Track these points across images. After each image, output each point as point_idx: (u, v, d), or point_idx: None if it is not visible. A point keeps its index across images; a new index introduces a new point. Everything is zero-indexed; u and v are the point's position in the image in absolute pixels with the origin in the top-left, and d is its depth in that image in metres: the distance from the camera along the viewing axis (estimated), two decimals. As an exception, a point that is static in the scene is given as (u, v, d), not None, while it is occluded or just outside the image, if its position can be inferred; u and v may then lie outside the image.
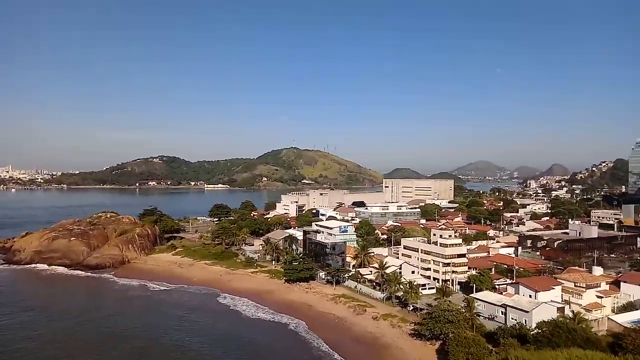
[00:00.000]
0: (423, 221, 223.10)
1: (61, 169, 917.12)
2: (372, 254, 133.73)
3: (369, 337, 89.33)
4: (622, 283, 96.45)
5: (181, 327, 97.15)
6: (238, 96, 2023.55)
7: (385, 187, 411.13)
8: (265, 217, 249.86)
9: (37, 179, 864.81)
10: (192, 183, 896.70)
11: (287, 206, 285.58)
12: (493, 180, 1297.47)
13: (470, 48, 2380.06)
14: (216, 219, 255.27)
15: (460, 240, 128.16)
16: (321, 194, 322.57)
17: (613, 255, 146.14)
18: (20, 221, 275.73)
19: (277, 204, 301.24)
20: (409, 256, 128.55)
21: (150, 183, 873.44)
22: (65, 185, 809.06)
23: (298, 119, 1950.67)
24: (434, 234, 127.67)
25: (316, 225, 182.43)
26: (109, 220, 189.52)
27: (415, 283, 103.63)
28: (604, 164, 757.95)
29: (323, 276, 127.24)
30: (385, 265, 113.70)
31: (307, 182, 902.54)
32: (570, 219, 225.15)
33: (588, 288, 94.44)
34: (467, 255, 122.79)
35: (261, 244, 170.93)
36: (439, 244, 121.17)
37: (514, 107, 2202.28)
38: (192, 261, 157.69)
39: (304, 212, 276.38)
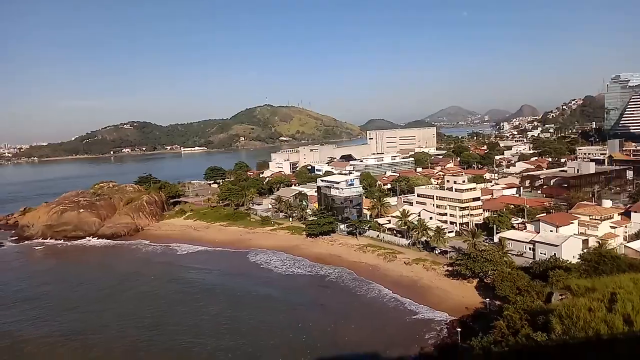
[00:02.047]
0: (419, 169, 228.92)
1: (28, 142, 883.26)
2: (389, 204, 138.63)
3: (407, 280, 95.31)
4: (632, 213, 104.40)
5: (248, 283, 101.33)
6: (204, 54, 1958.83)
7: (370, 138, 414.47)
8: (260, 176, 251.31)
9: (5, 153, 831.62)
10: (168, 147, 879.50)
11: (280, 164, 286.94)
12: (465, 125, 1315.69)
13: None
14: (212, 182, 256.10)
15: (474, 185, 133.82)
16: (311, 150, 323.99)
17: (609, 189, 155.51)
18: (6, 198, 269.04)
19: (269, 162, 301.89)
20: (424, 203, 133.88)
21: (124, 150, 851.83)
22: (36, 158, 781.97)
23: (268, 74, 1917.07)
24: (448, 181, 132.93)
25: (321, 180, 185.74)
26: (113, 190, 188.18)
27: (443, 228, 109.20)
28: (573, 102, 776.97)
29: (344, 228, 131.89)
30: (409, 214, 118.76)
31: (285, 139, 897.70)
32: (557, 158, 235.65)
33: (603, 220, 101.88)
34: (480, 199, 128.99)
35: (270, 203, 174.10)
36: (454, 190, 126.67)
37: (480, 50, 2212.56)
38: (207, 224, 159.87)
39: (297, 169, 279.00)
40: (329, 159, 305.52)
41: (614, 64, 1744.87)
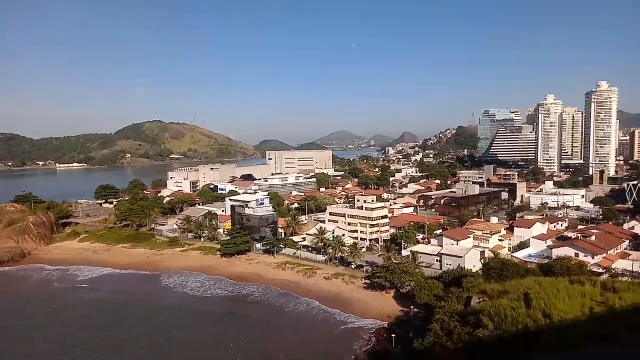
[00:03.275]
0: (323, 189, 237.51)
1: None
2: (303, 223, 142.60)
3: (330, 294, 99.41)
4: (515, 228, 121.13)
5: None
6: (86, 67, 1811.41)
7: (269, 159, 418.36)
8: (159, 195, 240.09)
9: None
10: (40, 163, 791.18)
11: (179, 183, 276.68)
12: (354, 148, 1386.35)
13: (326, 24, 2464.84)
14: (103, 201, 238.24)
15: (383, 204, 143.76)
16: (212, 169, 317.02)
17: (489, 207, 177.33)
18: None
19: (167, 181, 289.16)
20: (335, 221, 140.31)
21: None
22: None
23: (158, 89, 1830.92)
24: (358, 200, 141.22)
25: (229, 199, 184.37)
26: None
27: (358, 244, 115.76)
28: (448, 131, 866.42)
29: (259, 247, 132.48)
30: (325, 231, 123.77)
31: (176, 157, 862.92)
32: (441, 180, 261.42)
33: (493, 234, 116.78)
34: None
35: (176, 223, 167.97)
36: (364, 208, 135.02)
37: (366, 79, 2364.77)
38: (107, 246, 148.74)
39: (198, 188, 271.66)
40: (230, 178, 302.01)
41: (483, 98, 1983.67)
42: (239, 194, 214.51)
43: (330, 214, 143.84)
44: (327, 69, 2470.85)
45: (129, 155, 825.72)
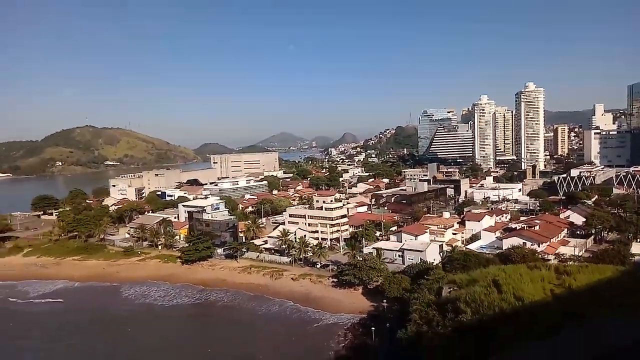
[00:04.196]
0: (275, 192, 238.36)
1: None
2: (263, 226, 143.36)
3: (300, 294, 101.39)
4: (466, 221, 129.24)
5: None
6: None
7: (214, 163, 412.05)
8: (103, 204, 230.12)
9: None
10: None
11: (123, 190, 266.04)
12: (296, 150, 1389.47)
13: (267, 27, 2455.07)
14: (41, 212, 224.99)
15: (342, 204, 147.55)
16: (157, 175, 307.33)
17: (437, 203, 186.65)
18: None
19: (109, 189, 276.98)
20: (296, 223, 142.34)
21: None
22: None
23: (89, 93, 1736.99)
24: (317, 201, 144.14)
25: (183, 205, 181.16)
26: None
27: (322, 244, 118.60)
28: (387, 131, 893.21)
29: (221, 252, 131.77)
30: (288, 233, 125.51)
31: (111, 163, 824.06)
32: (389, 179, 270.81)
33: (447, 228, 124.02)
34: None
35: (128, 232, 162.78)
36: (324, 209, 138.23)
37: (307, 82, 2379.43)
38: (56, 260, 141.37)
39: (144, 195, 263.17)
40: (177, 183, 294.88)
41: (419, 99, 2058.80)
42: (189, 200, 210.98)
43: (290, 215, 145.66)
44: (263, 69, 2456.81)
45: (60, 164, 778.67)
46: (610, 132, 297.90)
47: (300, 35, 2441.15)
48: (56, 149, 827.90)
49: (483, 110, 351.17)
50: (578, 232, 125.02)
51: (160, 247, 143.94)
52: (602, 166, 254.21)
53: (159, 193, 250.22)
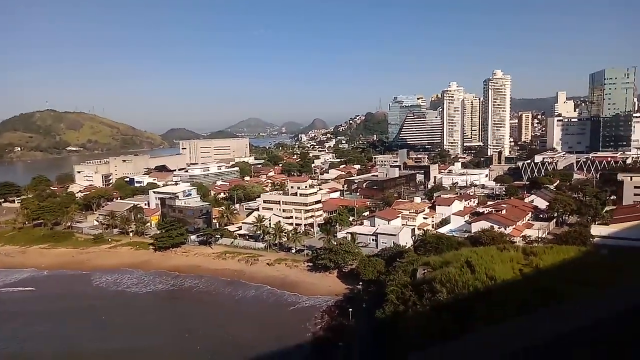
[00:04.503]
0: (248, 178, 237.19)
1: None
2: (236, 212, 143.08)
3: (276, 279, 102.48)
4: (437, 206, 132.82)
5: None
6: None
7: (183, 148, 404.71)
8: (69, 191, 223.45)
9: None
10: None
11: (89, 177, 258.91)
12: (266, 136, 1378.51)
13: (234, 9, 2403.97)
14: (2, 200, 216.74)
15: (316, 190, 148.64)
16: (124, 161, 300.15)
17: (408, 188, 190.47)
18: None
19: (75, 175, 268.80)
20: (270, 208, 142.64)
21: None
22: None
23: (50, 77, 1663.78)
24: (292, 187, 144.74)
25: (153, 192, 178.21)
26: None
27: (302, 229, 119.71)
28: (357, 117, 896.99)
29: (194, 239, 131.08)
30: (263, 219, 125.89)
31: (74, 149, 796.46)
32: (361, 165, 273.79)
33: (418, 213, 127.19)
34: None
35: (97, 219, 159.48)
36: (299, 195, 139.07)
37: (275, 65, 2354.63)
38: (21, 248, 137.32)
39: (111, 181, 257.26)
40: (145, 170, 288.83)
41: (388, 85, 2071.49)
42: (159, 186, 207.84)
43: (265, 201, 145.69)
44: (232, 52, 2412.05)
45: (19, 149, 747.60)
46: (572, 120, 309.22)
47: (270, 21, 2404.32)
48: (15, 134, 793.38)
49: (452, 97, 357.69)
50: (541, 216, 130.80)
51: (131, 235, 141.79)
52: (564, 152, 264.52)
53: (128, 179, 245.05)
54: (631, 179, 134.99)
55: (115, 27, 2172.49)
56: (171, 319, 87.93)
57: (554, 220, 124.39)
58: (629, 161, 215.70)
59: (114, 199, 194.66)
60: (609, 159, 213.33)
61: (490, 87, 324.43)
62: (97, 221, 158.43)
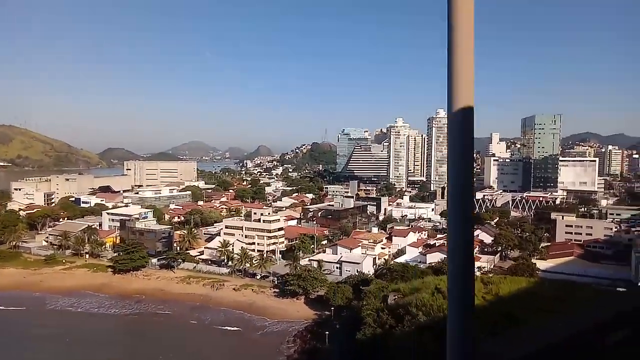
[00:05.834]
0: (201, 202, 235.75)
1: None
2: (198, 237, 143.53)
3: (244, 304, 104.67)
4: (393, 237, 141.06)
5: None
6: None
7: (127, 169, 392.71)
8: (8, 209, 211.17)
9: None
10: None
11: (30, 194, 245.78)
12: (209, 160, 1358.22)
13: (179, 28, 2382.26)
14: None
15: (278, 217, 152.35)
16: (67, 180, 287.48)
17: (360, 219, 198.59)
18: None
19: (13, 192, 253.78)
20: (232, 234, 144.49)
21: None
22: None
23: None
24: (255, 213, 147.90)
25: (107, 213, 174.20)
26: None
27: (264, 255, 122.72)
28: (303, 146, 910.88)
29: (155, 262, 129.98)
30: (228, 244, 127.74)
31: (2, 164, 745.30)
32: (312, 194, 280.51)
33: (377, 243, 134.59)
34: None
35: (46, 239, 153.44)
36: (262, 221, 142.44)
37: (220, 89, 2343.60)
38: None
39: (53, 200, 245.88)
40: (90, 190, 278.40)
41: (334, 116, 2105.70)
42: (108, 207, 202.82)
43: (227, 227, 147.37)
44: (174, 74, 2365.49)
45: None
46: (506, 160, 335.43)
47: (214, 45, 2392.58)
48: None
49: (398, 132, 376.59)
50: (486, 250, 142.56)
51: (86, 256, 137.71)
52: (500, 190, 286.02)
53: (73, 199, 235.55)
54: (563, 218, 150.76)
55: (50, 40, 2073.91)
56: (140, 345, 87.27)
57: (498, 254, 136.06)
58: (557, 201, 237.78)
59: (61, 219, 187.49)
60: (541, 198, 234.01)
61: (433, 125, 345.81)
62: (46, 241, 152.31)
